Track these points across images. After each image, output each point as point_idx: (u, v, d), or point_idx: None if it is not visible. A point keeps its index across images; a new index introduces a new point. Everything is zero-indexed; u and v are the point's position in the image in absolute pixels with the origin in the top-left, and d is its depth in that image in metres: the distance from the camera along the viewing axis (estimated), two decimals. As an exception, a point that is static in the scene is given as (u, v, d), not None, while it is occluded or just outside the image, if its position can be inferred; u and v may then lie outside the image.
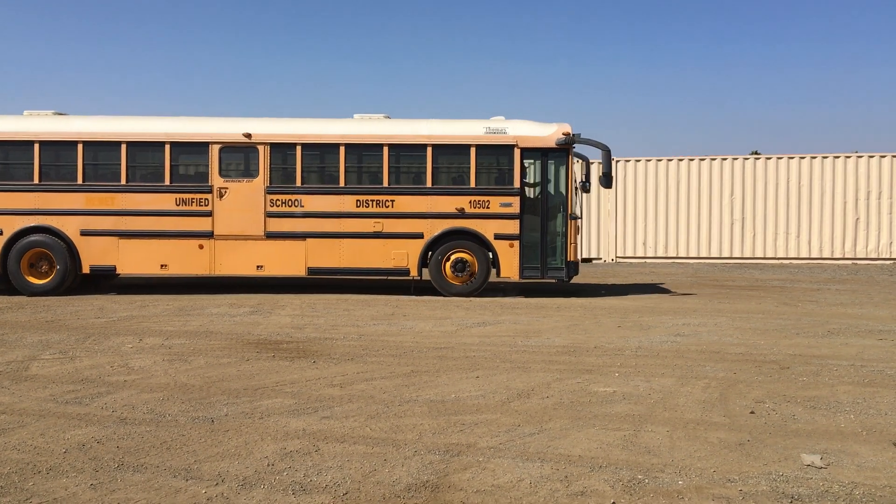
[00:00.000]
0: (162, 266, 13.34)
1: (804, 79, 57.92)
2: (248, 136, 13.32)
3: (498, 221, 13.19)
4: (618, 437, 5.08)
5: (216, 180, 13.28)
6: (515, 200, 13.17)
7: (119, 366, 7.41)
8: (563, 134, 13.16)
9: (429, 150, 13.25)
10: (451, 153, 13.40)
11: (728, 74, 58.79)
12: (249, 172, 13.37)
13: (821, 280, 16.51)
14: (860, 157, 21.17)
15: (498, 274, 13.32)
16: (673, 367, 7.28)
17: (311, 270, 13.37)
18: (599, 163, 13.27)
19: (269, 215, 13.26)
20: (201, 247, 13.28)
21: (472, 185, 13.22)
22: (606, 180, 13.20)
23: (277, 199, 13.28)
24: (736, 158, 21.61)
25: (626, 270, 19.14)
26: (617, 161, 21.79)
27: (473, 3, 60.43)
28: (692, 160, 21.70)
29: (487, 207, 13.19)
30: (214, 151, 13.30)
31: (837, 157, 21.17)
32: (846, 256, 21.03)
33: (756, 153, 23.25)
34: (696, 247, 21.60)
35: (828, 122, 60.90)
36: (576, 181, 13.71)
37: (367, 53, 63.23)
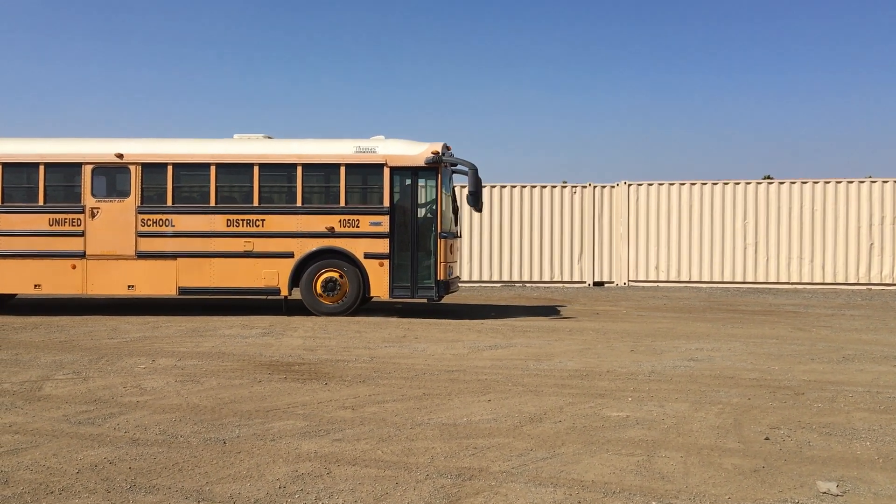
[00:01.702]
0: (35, 286, 13.47)
1: (817, 103, 57.88)
2: (120, 156, 13.45)
3: (368, 240, 13.23)
4: (631, 463, 5.04)
5: (88, 200, 13.40)
6: (385, 219, 13.21)
7: (132, 386, 7.43)
8: (432, 153, 13.20)
9: (299, 169, 13.35)
10: (321, 172, 13.51)
11: (741, 99, 58.84)
12: (121, 192, 13.50)
13: (835, 305, 16.40)
14: (874, 181, 21.07)
15: (368, 293, 13.31)
16: (686, 392, 7.23)
17: (181, 290, 13.42)
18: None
19: (141, 235, 13.36)
20: (74, 267, 13.39)
21: (342, 204, 13.28)
22: (473, 199, 13.27)
23: (148, 219, 13.38)
24: (749, 183, 21.57)
25: (637, 294, 19.07)
26: (629, 185, 21.79)
27: (431, 21, 60.83)
28: (705, 184, 21.67)
29: (357, 226, 13.25)
30: (87, 172, 13.43)
31: (851, 181, 21.08)
32: (860, 282, 20.88)
33: (769, 177, 23.20)
34: (709, 271, 21.51)
35: (841, 147, 60.74)
36: (455, 200, 13.75)
37: (289, 75, 63.22)
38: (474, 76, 61.62)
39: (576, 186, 22.12)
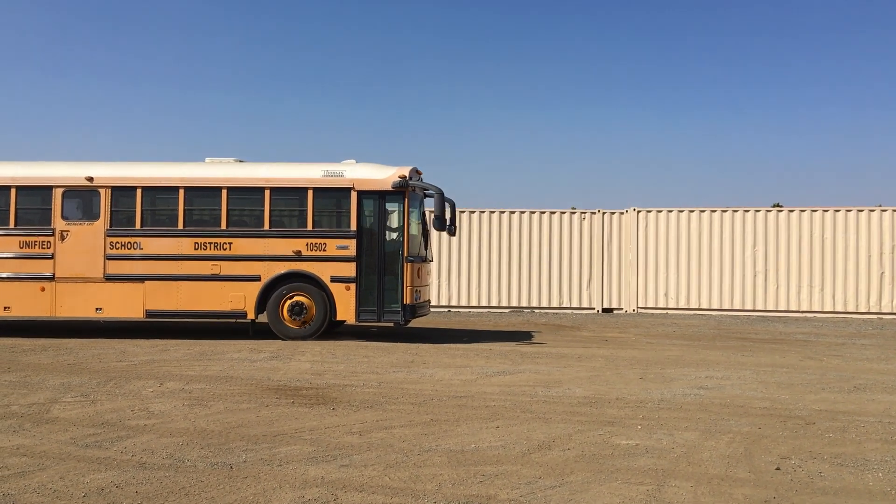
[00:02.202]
0: (5, 308, 13.51)
1: (828, 131, 57.92)
2: (91, 179, 13.54)
3: (335, 264, 13.22)
4: (641, 492, 4.99)
5: (58, 223, 13.48)
6: (352, 243, 13.22)
7: (139, 410, 7.43)
8: (399, 177, 13.23)
9: (266, 192, 13.38)
10: (288, 196, 13.58)
11: (752, 126, 58.93)
12: (91, 215, 13.55)
13: (846, 334, 16.29)
14: (884, 210, 21.00)
15: (335, 317, 13.30)
16: (696, 421, 7.17)
17: (149, 313, 13.44)
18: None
19: (109, 258, 13.40)
20: (43, 289, 13.42)
21: (310, 227, 13.31)
22: (439, 223, 13.33)
23: (117, 242, 13.43)
24: (758, 210, 21.53)
25: (646, 321, 19.00)
26: (639, 212, 21.79)
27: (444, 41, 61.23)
28: (714, 211, 21.64)
29: (324, 250, 13.25)
30: (58, 195, 13.52)
31: (861, 210, 21.02)
32: (871, 311, 20.74)
33: (778, 205, 23.17)
34: (718, 299, 21.41)
35: (852, 175, 60.65)
36: (425, 223, 13.86)
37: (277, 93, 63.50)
38: (482, 100, 61.95)
39: (585, 212, 22.13)
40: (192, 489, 4.96)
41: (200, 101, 60.30)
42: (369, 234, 13.38)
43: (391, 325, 13.62)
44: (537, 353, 12.14)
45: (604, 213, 22.04)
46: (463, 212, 22.13)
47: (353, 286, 13.17)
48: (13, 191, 13.49)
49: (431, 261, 15.11)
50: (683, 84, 57.38)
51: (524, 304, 21.89)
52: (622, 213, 22.07)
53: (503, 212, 22.11)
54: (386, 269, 13.30)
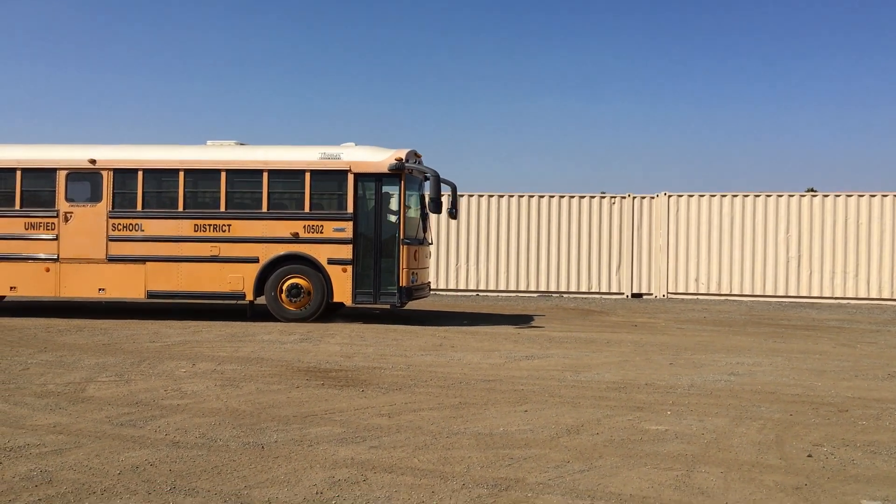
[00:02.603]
0: (11, 288, 13.77)
1: (862, 115, 56.82)
2: (93, 161, 13.68)
3: (331, 246, 13.26)
4: (670, 477, 4.98)
5: (62, 205, 13.66)
6: (349, 225, 13.24)
7: (172, 390, 7.54)
8: (396, 160, 13.20)
9: (264, 175, 13.45)
10: (286, 178, 13.63)
11: (785, 110, 58.01)
12: (94, 197, 13.71)
13: (880, 321, 16.04)
14: (922, 195, 20.61)
15: (331, 299, 13.33)
16: (727, 407, 7.12)
17: (150, 294, 13.61)
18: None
19: (111, 239, 13.58)
20: (48, 270, 13.62)
21: (307, 210, 13.35)
22: (435, 206, 13.29)
23: (119, 224, 13.59)
24: (792, 195, 21.22)
25: (676, 307, 18.86)
26: (670, 196, 21.58)
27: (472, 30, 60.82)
28: (746, 196, 21.36)
29: (321, 232, 13.30)
30: (61, 177, 13.71)
31: (898, 195, 20.64)
32: (907, 297, 20.40)
33: (812, 190, 22.80)
34: (750, 284, 21.18)
35: (887, 159, 59.53)
36: (424, 206, 13.81)
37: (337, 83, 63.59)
38: (513, 86, 61.62)
39: (615, 197, 21.97)
40: (224, 468, 5.03)
41: (211, 88, 60.66)
42: (366, 217, 13.42)
43: (387, 307, 13.71)
44: (566, 338, 12.12)
45: (634, 198, 21.87)
46: (492, 196, 22.08)
47: (349, 268, 13.24)
48: (18, 173, 13.73)
49: (430, 244, 15.10)
50: (717, 67, 56.61)
51: (553, 288, 21.83)
52: (653, 198, 21.88)
53: (532, 196, 22.02)
54: (382, 251, 13.34)
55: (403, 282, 13.20)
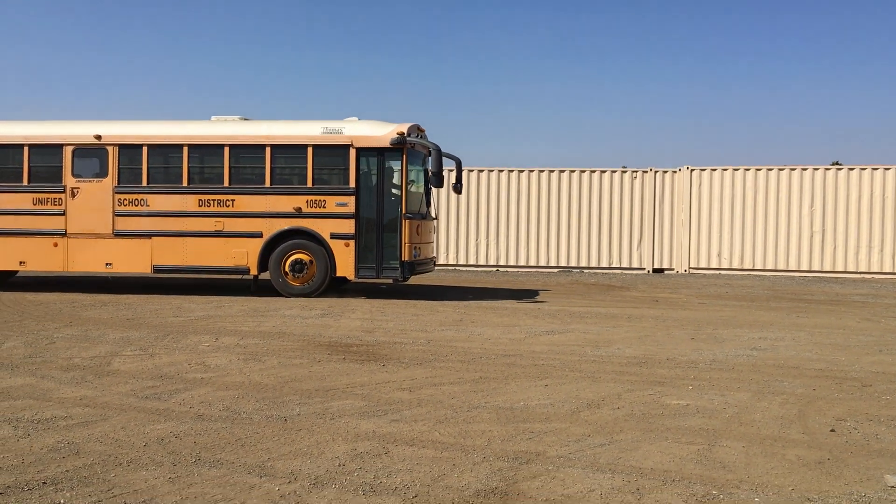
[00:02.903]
0: (21, 263, 13.95)
1: (887, 87, 55.79)
2: (99, 137, 13.75)
3: (334, 221, 13.27)
4: (691, 451, 4.97)
5: (69, 180, 13.77)
6: (351, 200, 13.23)
7: (196, 364, 7.62)
8: (398, 133, 13.16)
9: (267, 150, 13.46)
10: (289, 153, 13.61)
11: (809, 83, 57.09)
12: (100, 173, 13.80)
13: (906, 296, 15.86)
14: (950, 168, 20.26)
15: (334, 274, 13.34)
16: (749, 382, 7.09)
17: (156, 269, 13.71)
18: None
19: (117, 214, 13.68)
20: (56, 244, 13.76)
21: (310, 184, 13.37)
22: (437, 180, 13.28)
23: (125, 199, 13.68)
24: (816, 169, 20.94)
25: (698, 282, 18.75)
26: (692, 170, 21.38)
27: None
28: (770, 170, 21.12)
29: (324, 207, 13.31)
30: (68, 153, 13.80)
31: (925, 168, 20.31)
32: (933, 272, 20.14)
33: (837, 163, 22.50)
34: (773, 259, 21.00)
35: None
36: (427, 181, 13.76)
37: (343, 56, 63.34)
38: (532, 63, 61.07)
39: (636, 171, 21.81)
40: (248, 440, 5.09)
41: (223, 67, 60.64)
42: (368, 191, 13.43)
43: (390, 281, 13.79)
44: (586, 313, 12.09)
45: (655, 172, 21.70)
46: (512, 171, 22.00)
47: (352, 243, 13.28)
48: (26, 149, 13.85)
49: (435, 218, 15.07)
50: (739, 39, 55.75)
51: (573, 264, 21.77)
52: (675, 172, 21.70)
53: (552, 171, 21.91)
54: (385, 225, 13.36)
55: (406, 256, 13.22)
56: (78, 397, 6.22)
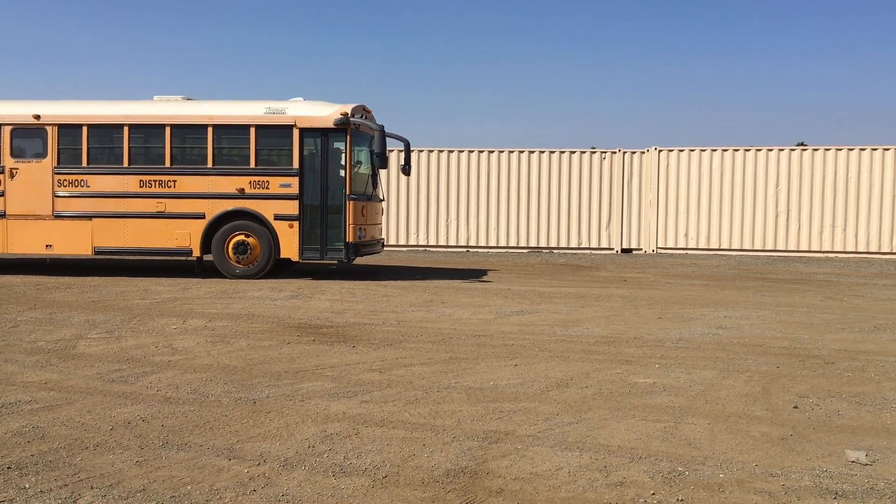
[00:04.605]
0: None
1: (853, 69, 56.58)
2: (38, 117, 13.58)
3: (278, 202, 13.24)
4: (658, 429, 5.04)
5: (8, 161, 13.60)
6: (294, 181, 13.20)
7: (163, 346, 7.55)
8: (342, 114, 13.11)
9: (209, 130, 13.37)
10: (231, 133, 13.53)
11: (775, 65, 57.67)
12: (39, 153, 13.65)
13: (867, 275, 16.17)
14: (911, 149, 20.63)
15: (278, 255, 13.34)
16: (714, 360, 7.20)
17: (97, 250, 13.60)
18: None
19: (57, 196, 13.54)
20: None
21: (253, 165, 13.31)
22: (381, 161, 13.37)
23: (64, 180, 13.54)
24: (782, 149, 21.22)
25: (666, 261, 18.95)
26: (660, 151, 21.54)
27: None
28: (737, 150, 21.36)
29: (267, 188, 13.26)
30: (6, 133, 13.61)
31: (887, 149, 20.66)
32: (894, 251, 20.56)
33: (802, 144, 22.80)
34: (738, 239, 21.29)
35: (876, 114, 59.46)
36: (374, 162, 13.72)
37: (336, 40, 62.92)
38: (505, 44, 60.97)
39: (605, 152, 21.93)
40: (216, 423, 5.06)
41: (174, 43, 59.69)
42: (313, 172, 13.35)
43: (335, 263, 13.75)
44: (555, 294, 12.17)
45: (624, 153, 21.84)
46: (482, 151, 21.99)
47: (296, 224, 13.22)
48: None
49: (382, 200, 15.01)
50: (707, 22, 56.09)
51: (543, 244, 21.87)
52: (643, 153, 21.85)
53: (522, 151, 21.95)
54: (329, 207, 13.28)
55: (350, 237, 13.16)
56: (42, 381, 6.14)
